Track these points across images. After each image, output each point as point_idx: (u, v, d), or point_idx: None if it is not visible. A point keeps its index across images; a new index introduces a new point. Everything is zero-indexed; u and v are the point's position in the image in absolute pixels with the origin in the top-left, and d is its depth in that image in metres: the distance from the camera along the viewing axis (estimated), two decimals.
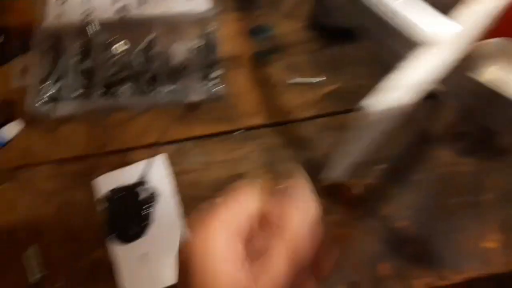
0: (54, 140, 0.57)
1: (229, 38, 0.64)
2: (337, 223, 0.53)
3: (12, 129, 0.56)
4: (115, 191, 0.53)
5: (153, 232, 0.52)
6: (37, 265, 0.50)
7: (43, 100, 0.58)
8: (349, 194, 0.55)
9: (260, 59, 0.62)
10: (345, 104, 0.59)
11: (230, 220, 0.25)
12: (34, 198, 0.54)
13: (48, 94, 0.58)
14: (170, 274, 0.50)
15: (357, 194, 0.55)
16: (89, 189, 0.54)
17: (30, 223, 0.52)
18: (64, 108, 0.57)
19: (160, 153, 0.56)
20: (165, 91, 0.59)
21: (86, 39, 0.61)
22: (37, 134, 0.57)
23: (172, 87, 0.59)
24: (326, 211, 0.54)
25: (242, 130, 0.58)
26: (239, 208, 0.26)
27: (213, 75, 0.60)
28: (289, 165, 0.56)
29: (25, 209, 0.53)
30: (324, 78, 0.61)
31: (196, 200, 0.54)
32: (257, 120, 0.58)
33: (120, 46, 0.61)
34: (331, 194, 0.54)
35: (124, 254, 0.51)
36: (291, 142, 0.57)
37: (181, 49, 0.61)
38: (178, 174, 0.55)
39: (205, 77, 0.59)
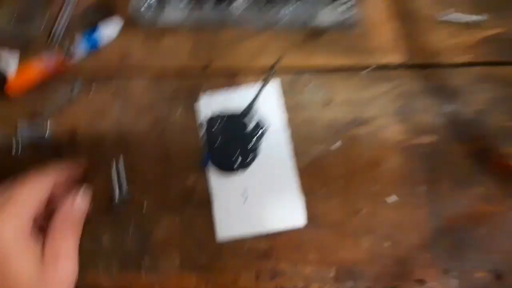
0: (156, 51, 0.50)
1: None
2: (484, 197, 0.42)
3: (109, 31, 0.50)
4: (219, 117, 0.46)
5: (257, 168, 0.44)
6: (123, 181, 0.44)
7: (148, 4, 0.50)
8: (502, 164, 0.43)
9: None
10: (509, 53, 0.47)
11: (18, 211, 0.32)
12: (128, 109, 0.48)
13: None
14: (270, 218, 0.43)
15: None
16: (189, 110, 0.47)
17: (120, 136, 0.47)
18: (171, 17, 0.50)
19: (273, 80, 0.47)
20: (286, 11, 0.49)
21: None
22: (138, 41, 0.50)
23: (294, 7, 0.49)
24: (471, 181, 0.44)
25: (374, 67, 0.47)
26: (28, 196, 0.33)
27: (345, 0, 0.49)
28: (429, 117, 0.45)
29: (116, 120, 0.47)
30: (486, 17, 0.48)
31: (308, 140, 0.45)
32: (394, 58, 0.47)
33: None
34: (479, 162, 0.43)
35: (221, 187, 0.44)
36: (434, 90, 0.46)
37: None
38: (291, 107, 0.46)
39: (337, 2, 0.49)
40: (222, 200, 0.44)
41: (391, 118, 0.46)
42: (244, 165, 0.44)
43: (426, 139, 0.44)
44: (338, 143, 0.45)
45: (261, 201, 0.43)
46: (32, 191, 0.33)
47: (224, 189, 0.44)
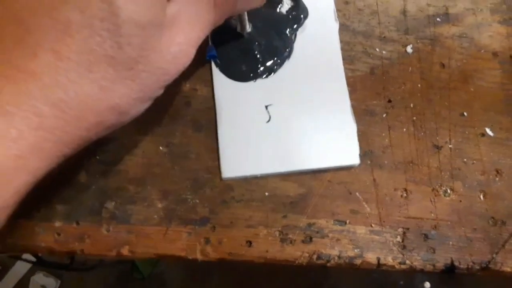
0: None
1: None
2: None
3: None
4: None
5: (288, 72, 0.28)
6: None
7: None
8: None
9: None
10: None
11: None
12: None
13: None
14: (306, 150, 0.28)
15: None
16: None
17: None
18: None
19: None
20: None
21: None
22: None
23: None
24: None
25: None
26: None
27: None
28: None
29: None
30: None
31: (368, 37, 0.29)
32: None
33: None
34: None
35: (232, 95, 0.28)
36: None
37: None
38: None
39: None
40: (232, 116, 0.28)
41: (489, 16, 0.31)
42: (270, 67, 0.28)
43: None
44: (411, 46, 0.30)
45: (293, 123, 0.28)
46: None
47: (237, 99, 0.28)
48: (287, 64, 0.29)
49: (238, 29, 0.28)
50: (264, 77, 0.28)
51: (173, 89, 0.29)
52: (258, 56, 0.28)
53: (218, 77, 0.28)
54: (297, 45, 0.29)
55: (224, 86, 0.28)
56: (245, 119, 0.28)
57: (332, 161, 0.27)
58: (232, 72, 0.28)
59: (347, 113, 0.28)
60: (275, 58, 0.28)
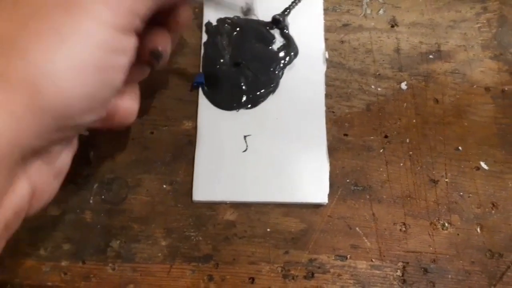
0: None
1: None
2: None
3: None
4: (232, 22, 0.31)
5: (272, 106, 0.30)
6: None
7: None
8: None
9: None
10: None
11: None
12: None
13: None
14: (279, 182, 0.28)
15: None
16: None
17: None
18: None
19: None
20: None
21: None
22: None
23: None
24: None
25: None
26: None
27: None
28: None
29: None
30: None
31: (359, 76, 0.31)
32: None
33: None
34: None
35: (213, 124, 0.30)
36: None
37: None
38: (335, 28, 0.32)
39: None
40: (210, 142, 0.29)
41: (480, 52, 0.32)
42: (254, 99, 0.29)
43: None
44: (405, 83, 0.31)
45: (269, 155, 0.29)
46: None
47: (218, 126, 0.29)
48: (271, 98, 0.30)
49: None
50: (247, 108, 0.29)
51: (175, 128, 0.30)
52: (244, 87, 0.29)
53: (204, 103, 0.30)
54: (283, 81, 0.30)
55: (207, 113, 0.29)
56: (222, 147, 0.29)
57: (301, 197, 0.28)
58: (217, 100, 0.30)
59: (323, 152, 0.29)
60: (260, 92, 0.29)
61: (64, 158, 0.21)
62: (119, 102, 0.22)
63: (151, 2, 0.19)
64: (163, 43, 0.22)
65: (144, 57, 0.22)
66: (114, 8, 0.18)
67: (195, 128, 0.29)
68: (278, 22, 0.31)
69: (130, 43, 0.19)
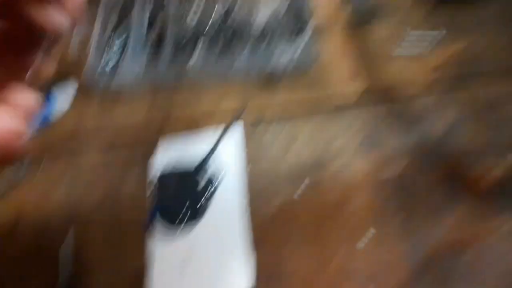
0: (110, 118, 0.48)
1: None
2: (461, 223, 0.40)
3: (63, 101, 0.49)
4: (171, 174, 0.44)
5: (203, 228, 0.41)
6: (69, 264, 0.40)
7: (102, 68, 0.50)
8: (477, 187, 0.42)
9: (358, 23, 0.51)
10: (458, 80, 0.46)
11: None
12: (77, 182, 0.44)
13: (108, 63, 0.50)
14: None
15: (487, 187, 0.42)
16: (144, 173, 0.44)
17: (68, 212, 0.43)
18: (126, 79, 0.49)
19: (234, 128, 0.46)
20: (241, 59, 0.49)
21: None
22: (91, 110, 0.49)
23: (253, 52, 0.49)
24: (445, 207, 0.42)
25: (334, 104, 0.47)
26: None
27: (301, 40, 0.49)
28: (393, 148, 0.44)
29: (64, 196, 0.44)
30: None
31: (268, 191, 0.42)
32: (353, 92, 0.47)
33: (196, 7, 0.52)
34: (450, 187, 0.42)
35: (161, 258, 0.40)
36: (396, 121, 0.45)
37: (265, 12, 0.51)
38: (251, 155, 0.45)
39: (292, 42, 0.49)
40: (158, 270, 0.39)
41: (355, 154, 0.44)
42: (189, 223, 0.41)
43: (392, 170, 0.43)
44: (301, 190, 0.43)
45: (203, 267, 0.39)
46: None
47: (164, 256, 0.40)
48: (204, 222, 0.41)
49: None
50: (187, 230, 0.40)
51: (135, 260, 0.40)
52: (185, 216, 0.41)
53: (158, 234, 0.41)
54: (214, 205, 0.41)
55: (159, 244, 0.40)
56: (166, 267, 0.39)
57: None
58: (166, 224, 0.41)
59: (244, 253, 0.39)
60: (193, 218, 0.41)
61: None
62: None
63: None
64: (48, 14, 0.17)
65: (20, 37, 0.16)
66: None
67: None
68: (202, 168, 0.43)
69: None
